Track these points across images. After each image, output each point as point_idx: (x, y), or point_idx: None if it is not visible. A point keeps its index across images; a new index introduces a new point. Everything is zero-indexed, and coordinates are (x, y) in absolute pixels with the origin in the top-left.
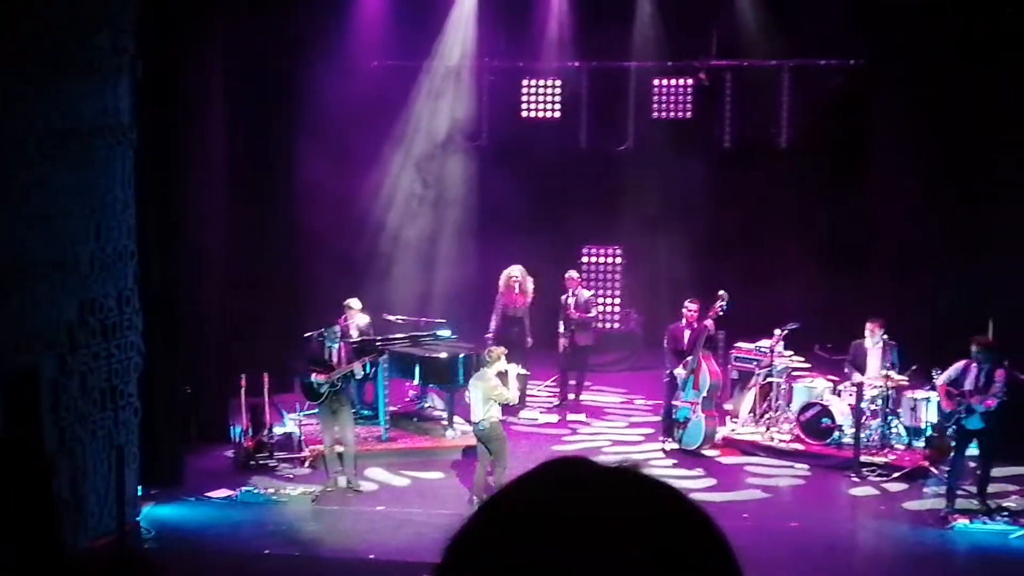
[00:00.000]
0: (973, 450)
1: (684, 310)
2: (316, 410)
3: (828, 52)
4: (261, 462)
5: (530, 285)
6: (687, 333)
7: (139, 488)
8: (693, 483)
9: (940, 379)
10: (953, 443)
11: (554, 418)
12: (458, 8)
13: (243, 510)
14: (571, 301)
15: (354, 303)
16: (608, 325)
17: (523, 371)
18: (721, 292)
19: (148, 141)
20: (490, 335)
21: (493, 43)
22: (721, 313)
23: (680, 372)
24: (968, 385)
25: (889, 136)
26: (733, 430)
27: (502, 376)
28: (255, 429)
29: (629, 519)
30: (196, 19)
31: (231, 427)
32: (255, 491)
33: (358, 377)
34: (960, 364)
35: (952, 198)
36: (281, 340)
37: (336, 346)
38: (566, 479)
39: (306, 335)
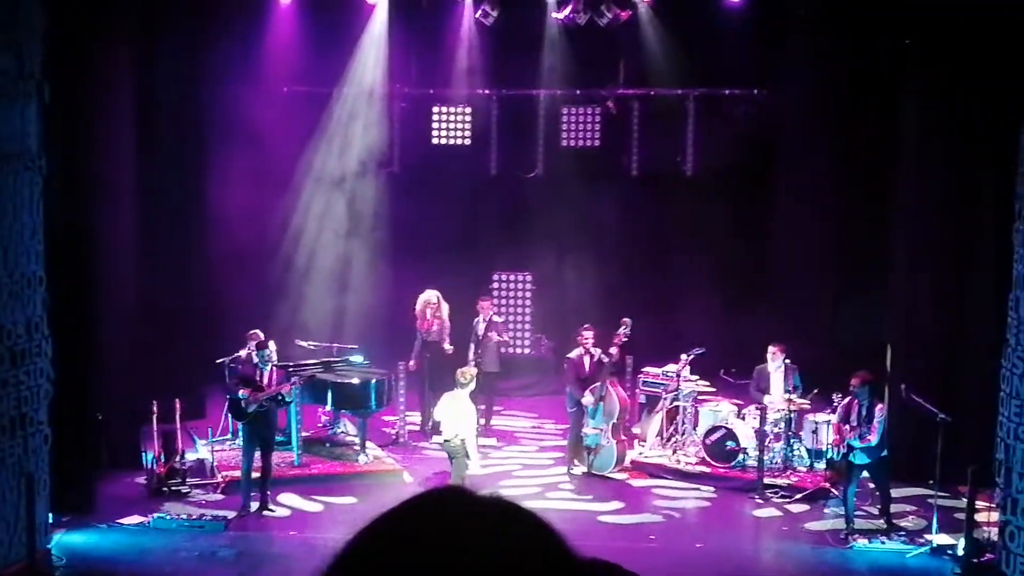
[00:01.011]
0: (867, 475)
1: (580, 338)
2: (234, 433)
3: (732, 82)
4: (173, 488)
5: (444, 310)
6: (586, 360)
7: (50, 515)
8: (602, 506)
9: (834, 419)
10: (846, 473)
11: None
12: (368, 36)
13: (155, 537)
14: (482, 327)
15: (258, 334)
16: (519, 350)
17: None
18: (624, 319)
19: (57, 165)
20: (406, 362)
21: (404, 70)
22: (625, 339)
23: (588, 400)
24: (853, 420)
25: (792, 165)
26: (641, 453)
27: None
28: (167, 455)
29: (493, 548)
30: (105, 43)
31: (143, 453)
32: (167, 517)
33: (288, 401)
34: (844, 401)
35: (852, 226)
36: (193, 366)
37: (268, 368)
38: (437, 510)
39: (219, 361)
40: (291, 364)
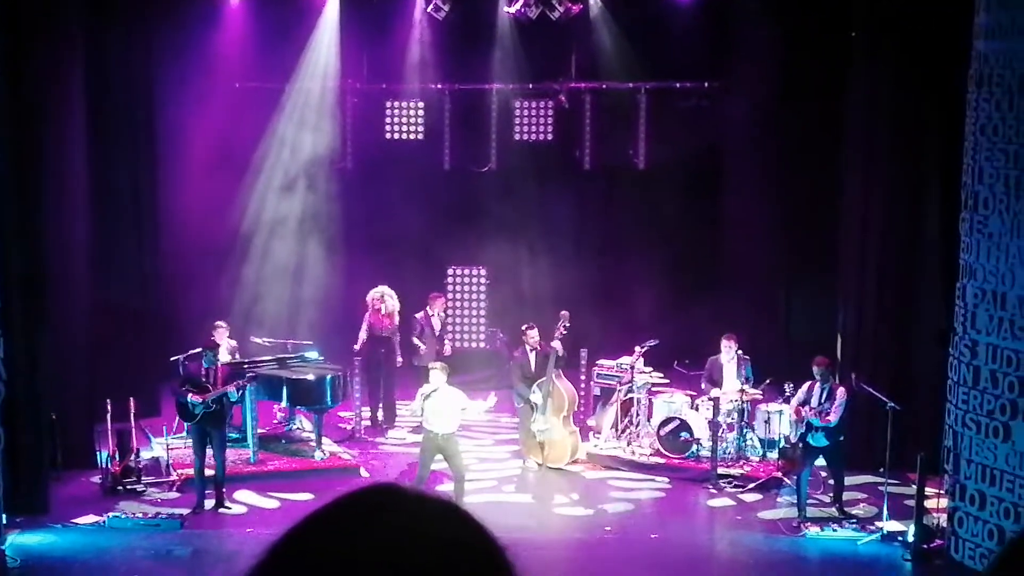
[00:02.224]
0: (822, 462)
1: (523, 336)
2: (187, 432)
3: (683, 75)
4: (129, 487)
5: (396, 305)
6: (532, 357)
7: (3, 516)
8: (558, 498)
9: (792, 402)
10: (801, 458)
11: (420, 436)
12: (320, 31)
13: (111, 536)
14: (436, 322)
15: (223, 324)
16: (473, 344)
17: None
18: (563, 312)
19: (7, 162)
20: (357, 356)
21: (356, 66)
22: (565, 332)
23: (537, 397)
24: (813, 403)
25: (742, 157)
26: (596, 446)
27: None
28: (122, 454)
29: (426, 544)
30: (55, 37)
31: (97, 452)
32: (123, 516)
33: (232, 400)
34: (806, 385)
35: (803, 217)
36: (147, 364)
37: (213, 367)
38: (372, 505)
39: (173, 358)
40: (245, 361)
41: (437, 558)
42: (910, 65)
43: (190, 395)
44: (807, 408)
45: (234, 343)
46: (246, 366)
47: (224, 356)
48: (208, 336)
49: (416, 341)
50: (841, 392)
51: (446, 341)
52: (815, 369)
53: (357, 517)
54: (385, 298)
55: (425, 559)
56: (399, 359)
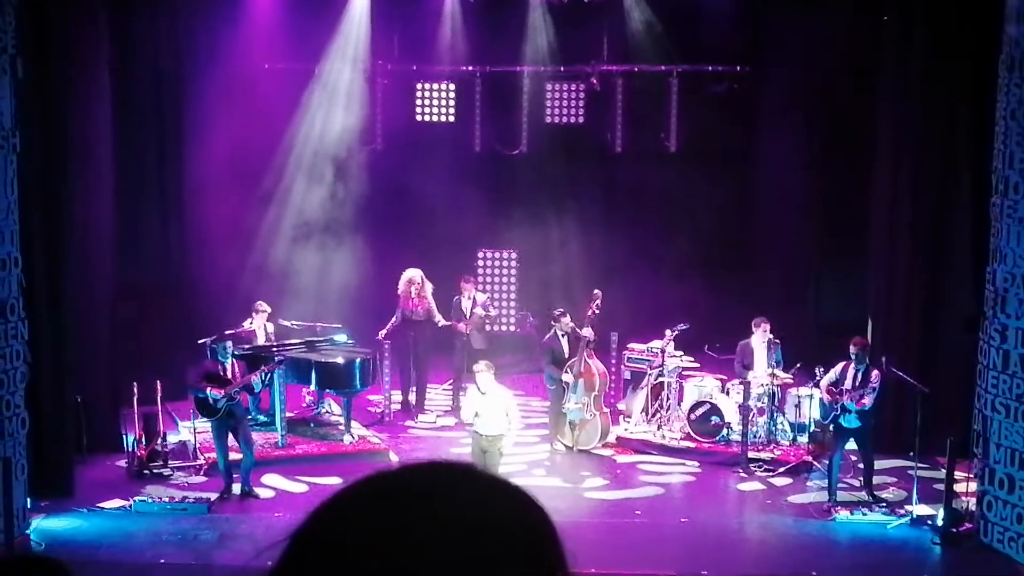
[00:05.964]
0: (852, 445)
1: (556, 322)
2: (210, 424)
3: (715, 58)
4: (155, 471)
5: (428, 289)
6: (564, 340)
7: (28, 501)
8: (588, 482)
9: (823, 381)
10: (832, 440)
11: (451, 421)
12: (351, 11)
13: (137, 520)
14: (467, 304)
15: (263, 306)
16: (504, 328)
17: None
18: (595, 292)
19: (33, 143)
20: (381, 338)
21: (386, 47)
22: (597, 312)
23: (568, 377)
24: (847, 385)
25: (774, 141)
26: (626, 429)
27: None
28: (148, 437)
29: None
30: (81, 16)
31: (123, 436)
32: (149, 500)
33: (256, 389)
34: (840, 365)
35: (834, 202)
36: (174, 347)
37: (228, 360)
38: (440, 474)
39: (200, 341)
40: (273, 345)
41: (491, 537)
42: (941, 49)
43: (210, 389)
44: (844, 390)
45: (271, 328)
46: (275, 349)
47: (260, 335)
48: (240, 319)
49: (460, 326)
50: (876, 375)
51: (491, 310)
52: (852, 349)
53: (412, 490)
54: (415, 281)
55: (479, 536)
56: (439, 321)
